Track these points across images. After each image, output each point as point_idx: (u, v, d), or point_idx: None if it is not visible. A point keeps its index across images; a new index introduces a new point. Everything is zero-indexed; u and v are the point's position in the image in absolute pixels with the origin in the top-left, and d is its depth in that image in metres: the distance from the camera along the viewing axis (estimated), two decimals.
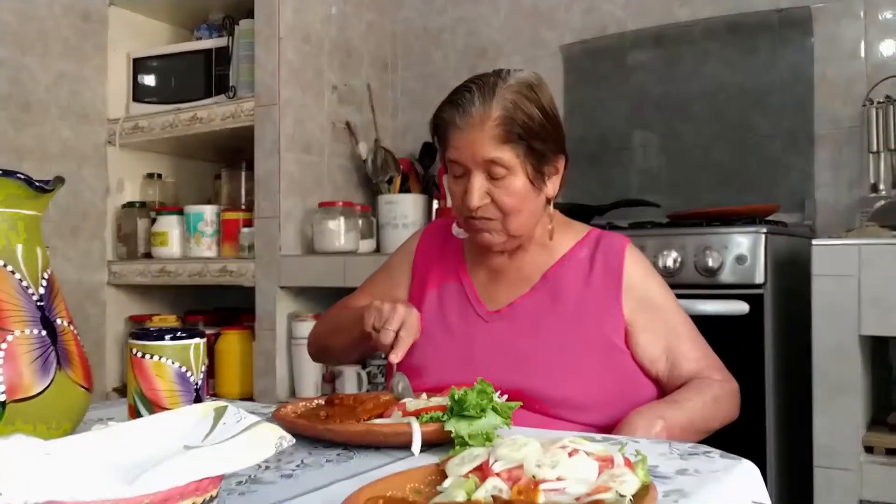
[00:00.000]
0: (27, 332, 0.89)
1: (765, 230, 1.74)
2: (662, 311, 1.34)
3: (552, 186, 1.34)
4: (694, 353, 1.33)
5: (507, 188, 1.27)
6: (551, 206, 1.37)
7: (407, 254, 1.51)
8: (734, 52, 2.34)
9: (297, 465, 0.90)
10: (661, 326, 1.32)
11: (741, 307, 1.73)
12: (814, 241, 1.63)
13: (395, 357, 1.23)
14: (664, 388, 1.33)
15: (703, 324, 1.72)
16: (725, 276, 1.76)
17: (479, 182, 1.27)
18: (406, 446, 0.94)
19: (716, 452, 0.91)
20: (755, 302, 1.73)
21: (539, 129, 1.28)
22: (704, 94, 2.38)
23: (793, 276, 1.80)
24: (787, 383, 1.79)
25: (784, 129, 2.27)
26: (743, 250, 1.74)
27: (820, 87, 2.23)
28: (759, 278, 1.73)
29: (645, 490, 0.67)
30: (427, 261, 1.47)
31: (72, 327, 0.96)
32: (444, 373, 1.30)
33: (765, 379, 1.71)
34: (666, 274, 1.79)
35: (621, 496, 0.65)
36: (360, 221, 2.50)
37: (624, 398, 1.29)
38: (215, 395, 2.51)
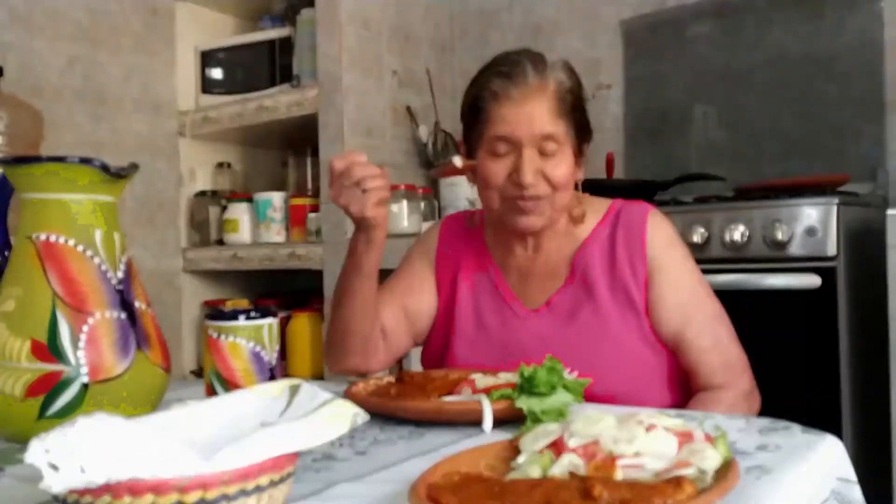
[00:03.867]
0: (107, 314, 0.92)
1: (836, 201, 1.69)
2: (675, 287, 1.25)
3: (582, 170, 1.31)
4: (702, 343, 1.23)
5: (558, 164, 1.23)
6: (580, 191, 1.32)
7: (426, 250, 1.43)
8: (799, 18, 2.26)
9: (370, 443, 0.91)
10: (672, 305, 1.24)
11: (813, 281, 1.68)
12: (889, 211, 1.57)
13: (371, 210, 1.13)
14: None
15: (774, 298, 1.69)
16: (795, 250, 1.71)
17: (532, 158, 1.22)
18: (477, 423, 0.94)
19: (796, 427, 0.88)
20: (827, 275, 1.68)
21: (583, 106, 1.27)
22: (768, 63, 2.32)
23: (866, 247, 1.74)
24: (862, 358, 1.74)
25: (853, 96, 2.19)
26: (813, 222, 1.69)
27: (891, 51, 2.14)
28: (832, 251, 1.68)
29: (727, 466, 0.64)
30: (451, 255, 1.40)
31: (150, 310, 0.99)
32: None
33: (839, 354, 1.66)
34: (733, 248, 1.76)
35: (703, 472, 0.63)
36: (423, 204, 2.51)
37: (682, 378, 1.26)
38: (287, 376, 2.55)
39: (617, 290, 1.26)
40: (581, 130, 1.27)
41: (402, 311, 1.37)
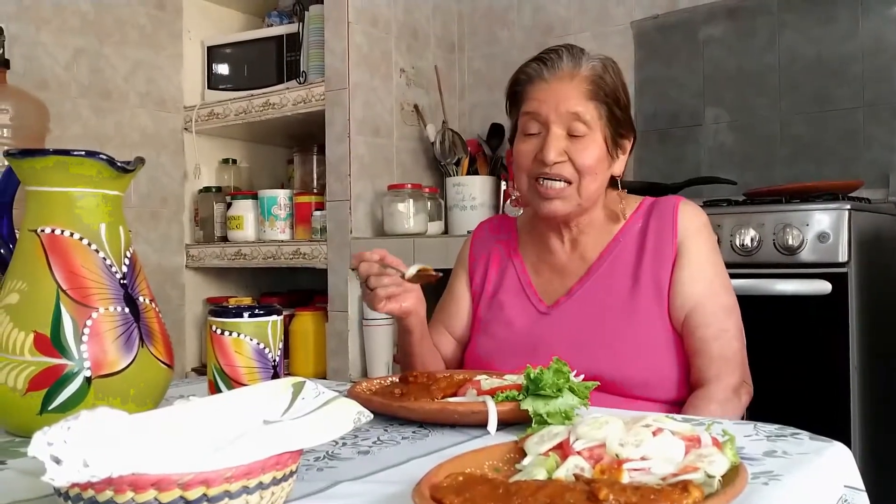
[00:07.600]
0: (111, 309, 0.91)
1: (848, 206, 1.68)
2: (693, 275, 1.26)
3: (620, 164, 1.32)
4: (706, 333, 1.23)
5: (586, 147, 1.26)
6: (619, 187, 1.34)
7: (461, 263, 1.50)
8: (812, 21, 2.25)
9: (374, 442, 0.90)
10: (687, 291, 1.25)
11: (823, 286, 1.67)
12: None
13: (382, 307, 1.23)
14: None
15: (784, 304, 1.67)
16: (806, 255, 1.70)
17: (558, 136, 1.25)
18: (481, 425, 0.93)
19: (804, 434, 0.88)
20: (838, 281, 1.66)
21: (621, 98, 1.30)
22: (781, 66, 2.30)
23: (877, 254, 1.73)
24: (872, 364, 1.73)
25: (866, 100, 2.17)
26: (825, 228, 1.68)
27: None
28: (843, 256, 1.66)
29: (735, 471, 0.64)
30: (483, 258, 1.46)
31: (154, 305, 0.98)
32: (509, 367, 1.28)
33: (849, 360, 1.65)
34: (743, 253, 1.75)
35: (710, 476, 0.63)
36: (429, 203, 2.51)
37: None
38: (290, 375, 2.55)
39: (643, 278, 1.27)
40: (616, 121, 1.28)
41: (450, 338, 1.46)
